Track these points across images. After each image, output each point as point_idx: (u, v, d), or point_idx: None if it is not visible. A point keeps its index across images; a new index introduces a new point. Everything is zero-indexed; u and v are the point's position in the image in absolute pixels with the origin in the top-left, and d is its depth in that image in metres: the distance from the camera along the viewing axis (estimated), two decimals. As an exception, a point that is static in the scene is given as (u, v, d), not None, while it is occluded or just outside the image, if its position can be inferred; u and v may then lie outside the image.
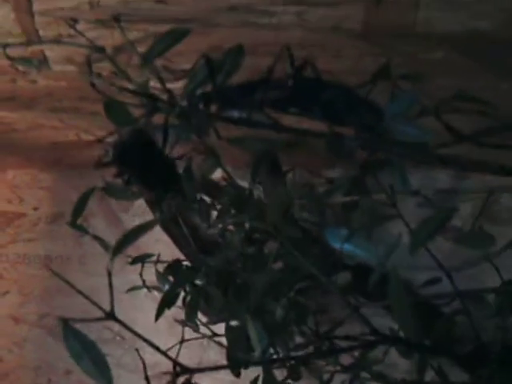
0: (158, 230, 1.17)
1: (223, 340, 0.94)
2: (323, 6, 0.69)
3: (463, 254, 1.19)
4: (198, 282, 0.94)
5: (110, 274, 0.69)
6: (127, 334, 1.19)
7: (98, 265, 1.26)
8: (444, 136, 0.75)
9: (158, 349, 0.65)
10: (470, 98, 0.72)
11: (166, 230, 1.07)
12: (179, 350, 0.88)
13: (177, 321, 0.95)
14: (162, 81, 0.66)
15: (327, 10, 0.70)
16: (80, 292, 0.69)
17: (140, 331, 1.25)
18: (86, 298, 0.69)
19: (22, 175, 1.29)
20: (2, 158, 1.22)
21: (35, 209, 1.30)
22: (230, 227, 0.96)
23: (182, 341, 0.90)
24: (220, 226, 0.95)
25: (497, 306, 0.89)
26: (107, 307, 0.66)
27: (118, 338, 1.25)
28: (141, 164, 0.66)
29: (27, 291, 1.29)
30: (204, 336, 0.93)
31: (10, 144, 1.14)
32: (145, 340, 0.69)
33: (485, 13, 0.69)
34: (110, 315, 0.67)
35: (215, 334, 0.93)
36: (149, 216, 1.24)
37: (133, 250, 1.24)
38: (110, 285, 0.69)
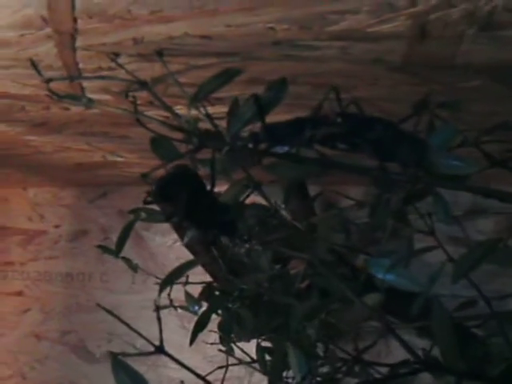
0: (178, 247, 1.18)
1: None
2: (368, 41, 0.70)
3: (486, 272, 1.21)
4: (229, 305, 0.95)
5: (158, 309, 0.69)
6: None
7: (119, 282, 1.27)
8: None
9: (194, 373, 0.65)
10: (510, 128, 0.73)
11: (194, 253, 1.08)
12: (224, 375, 0.89)
13: (220, 350, 0.96)
14: (210, 118, 0.67)
15: (371, 44, 0.70)
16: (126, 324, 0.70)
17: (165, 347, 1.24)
18: (130, 328, 0.69)
19: (44, 193, 1.30)
20: (24, 176, 1.22)
21: (56, 226, 1.31)
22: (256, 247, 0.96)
23: (227, 366, 0.90)
24: (247, 246, 0.96)
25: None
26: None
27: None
28: (185, 199, 0.66)
29: (49, 308, 1.30)
30: (241, 362, 0.93)
31: (34, 165, 1.14)
32: (190, 371, 0.70)
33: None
34: (160, 349, 0.68)
35: (254, 361, 0.93)
36: (170, 234, 1.25)
37: (153, 266, 1.25)
38: (159, 319, 0.70)
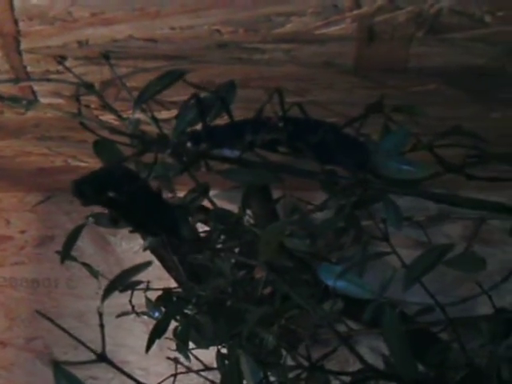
0: (146, 253, 1.17)
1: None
2: (315, 44, 0.69)
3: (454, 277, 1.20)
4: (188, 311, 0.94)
5: (101, 315, 0.68)
6: (117, 357, 1.19)
7: (86, 288, 1.25)
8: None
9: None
10: (465, 133, 0.72)
11: (159, 257, 1.06)
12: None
13: (169, 358, 0.94)
14: (156, 121, 0.65)
15: (319, 47, 0.69)
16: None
17: (129, 353, 1.24)
18: (71, 335, 0.68)
19: (9, 198, 1.28)
20: (-13, 181, 1.21)
21: (22, 232, 1.29)
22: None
23: (176, 374, 0.89)
24: (209, 252, 0.95)
25: (489, 334, 0.90)
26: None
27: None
28: (114, 200, 0.64)
29: (14, 315, 1.28)
30: (196, 371, 0.92)
31: (-3, 170, 1.13)
32: (137, 381, 0.69)
33: (476, 49, 0.69)
34: (102, 357, 0.66)
35: (207, 368, 0.92)
36: (136, 240, 1.24)
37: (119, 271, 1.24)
38: (102, 326, 0.68)
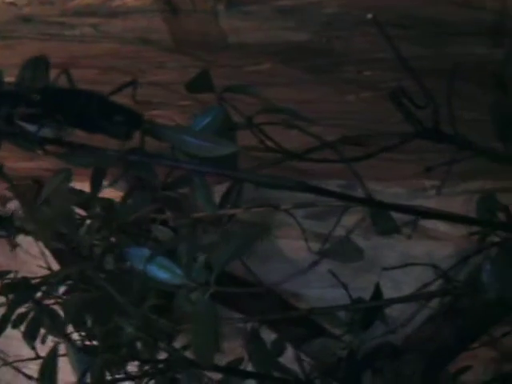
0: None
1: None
2: (118, 17, 0.66)
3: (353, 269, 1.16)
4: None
5: None
6: (11, 351, 1.17)
7: None
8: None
9: None
10: (276, 110, 0.69)
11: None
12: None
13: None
14: None
15: (123, 21, 0.67)
16: None
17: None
18: None
19: None
20: None
21: None
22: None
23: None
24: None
25: (348, 323, 0.88)
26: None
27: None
28: None
29: None
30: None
31: None
32: None
33: (288, 22, 0.66)
34: None
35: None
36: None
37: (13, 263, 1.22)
38: None
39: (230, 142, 0.64)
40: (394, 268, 0.92)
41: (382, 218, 0.80)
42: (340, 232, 1.17)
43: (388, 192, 1.14)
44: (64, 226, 0.78)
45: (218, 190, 1.10)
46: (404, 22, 0.65)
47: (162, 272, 0.68)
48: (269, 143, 0.72)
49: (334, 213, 1.19)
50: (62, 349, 0.80)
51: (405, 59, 0.61)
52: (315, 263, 0.76)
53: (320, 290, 1.11)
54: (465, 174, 1.10)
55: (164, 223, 0.80)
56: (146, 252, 0.68)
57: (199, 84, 0.71)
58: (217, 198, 1.08)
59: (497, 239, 0.77)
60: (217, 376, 0.83)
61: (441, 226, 1.15)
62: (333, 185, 1.16)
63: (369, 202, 0.68)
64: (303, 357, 0.96)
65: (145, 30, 0.69)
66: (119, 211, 0.72)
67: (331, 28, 0.67)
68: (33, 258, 1.10)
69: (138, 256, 0.68)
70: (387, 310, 1.05)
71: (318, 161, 0.74)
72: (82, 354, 0.75)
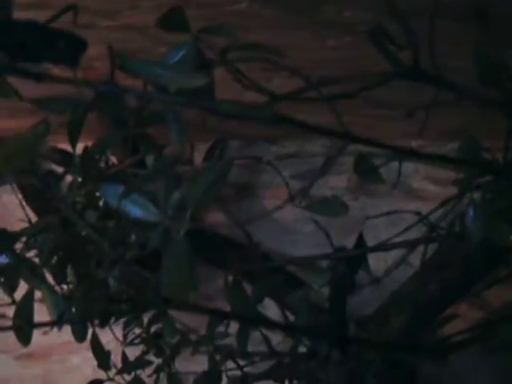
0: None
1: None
2: None
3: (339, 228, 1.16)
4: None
5: None
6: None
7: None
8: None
9: None
10: (252, 46, 0.68)
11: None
12: None
13: None
14: None
15: None
16: None
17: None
18: None
19: None
20: None
21: None
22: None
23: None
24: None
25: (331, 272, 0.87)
26: None
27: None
28: None
29: None
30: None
31: None
32: None
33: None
34: None
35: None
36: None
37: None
38: None
39: (204, 75, 0.63)
40: (377, 216, 0.91)
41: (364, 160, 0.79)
42: (326, 193, 1.17)
43: (375, 152, 1.13)
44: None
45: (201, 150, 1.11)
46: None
47: (136, 209, 0.67)
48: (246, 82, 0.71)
49: (319, 173, 1.20)
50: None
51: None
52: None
53: (306, 250, 1.10)
54: (452, 134, 1.09)
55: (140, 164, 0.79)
56: (120, 188, 0.67)
57: (173, 21, 0.70)
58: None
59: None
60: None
61: (428, 186, 1.14)
62: (318, 146, 1.15)
63: (347, 136, 0.67)
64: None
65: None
66: (92, 151, 0.71)
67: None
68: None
69: (113, 192, 0.67)
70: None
71: (301, 99, 0.73)
72: (58, 297, 0.74)
